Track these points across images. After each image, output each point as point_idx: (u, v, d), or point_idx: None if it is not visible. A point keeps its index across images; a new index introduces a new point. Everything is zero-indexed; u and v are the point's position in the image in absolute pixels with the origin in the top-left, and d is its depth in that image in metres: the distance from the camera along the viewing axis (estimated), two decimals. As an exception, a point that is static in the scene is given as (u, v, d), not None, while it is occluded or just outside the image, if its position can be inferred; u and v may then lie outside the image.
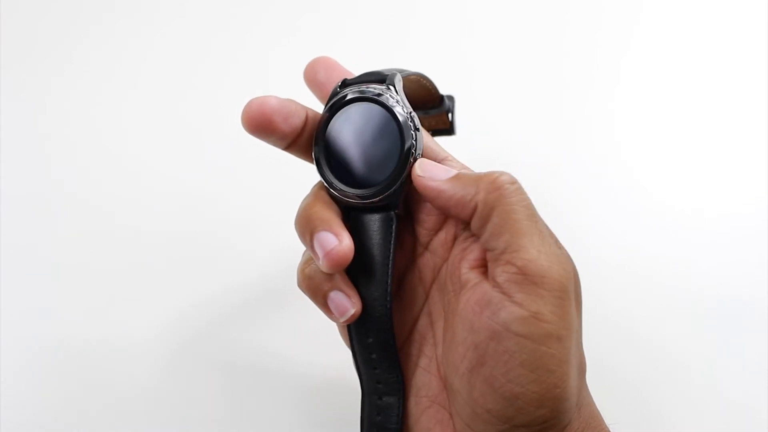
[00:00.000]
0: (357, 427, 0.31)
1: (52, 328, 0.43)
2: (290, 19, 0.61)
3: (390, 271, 0.29)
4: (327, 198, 0.30)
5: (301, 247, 0.30)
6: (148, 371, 0.41)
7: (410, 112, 0.29)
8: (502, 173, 0.27)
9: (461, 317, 0.27)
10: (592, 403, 0.28)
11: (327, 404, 0.40)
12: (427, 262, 0.31)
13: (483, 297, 0.27)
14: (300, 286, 0.29)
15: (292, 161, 0.32)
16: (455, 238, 0.30)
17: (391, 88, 0.30)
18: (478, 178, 0.27)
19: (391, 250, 0.29)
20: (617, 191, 0.49)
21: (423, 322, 0.31)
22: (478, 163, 0.31)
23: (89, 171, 0.52)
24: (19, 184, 0.51)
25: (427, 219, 0.30)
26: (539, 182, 0.49)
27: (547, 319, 0.25)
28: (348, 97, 0.30)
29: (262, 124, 0.28)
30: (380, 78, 0.30)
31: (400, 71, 0.31)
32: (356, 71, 0.32)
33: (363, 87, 0.30)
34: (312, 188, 0.31)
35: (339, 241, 0.27)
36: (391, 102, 0.29)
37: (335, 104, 0.30)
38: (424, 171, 0.29)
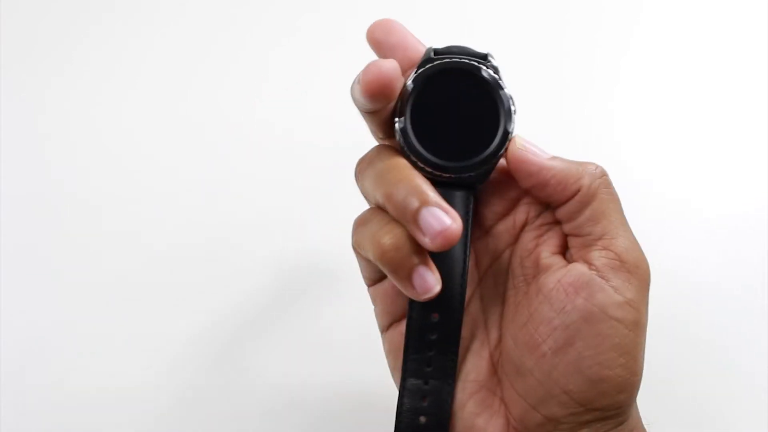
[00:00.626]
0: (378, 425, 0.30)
1: (51, 329, 0.43)
2: (290, 19, 0.61)
3: (468, 250, 0.29)
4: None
5: (312, 245, 0.29)
6: (146, 370, 0.41)
7: (509, 90, 0.29)
8: (598, 164, 0.29)
9: (547, 298, 0.28)
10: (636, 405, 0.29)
11: (343, 409, 0.40)
12: (485, 246, 0.31)
13: (579, 279, 0.27)
14: (379, 257, 0.27)
15: (293, 162, 0.32)
16: (525, 224, 0.30)
17: (492, 63, 0.29)
18: (581, 164, 0.29)
19: (470, 228, 0.29)
20: (617, 191, 0.49)
21: (474, 306, 0.31)
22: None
23: (89, 171, 0.52)
24: (18, 185, 0.51)
25: (498, 202, 0.30)
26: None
27: (636, 306, 0.27)
28: (445, 66, 0.29)
29: (386, 88, 0.27)
30: (473, 53, 0.29)
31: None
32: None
33: (460, 58, 0.29)
34: (382, 153, 0.29)
35: (453, 220, 0.25)
36: (490, 75, 0.29)
37: (428, 72, 0.29)
38: (525, 146, 0.29)
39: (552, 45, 0.59)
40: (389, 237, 0.27)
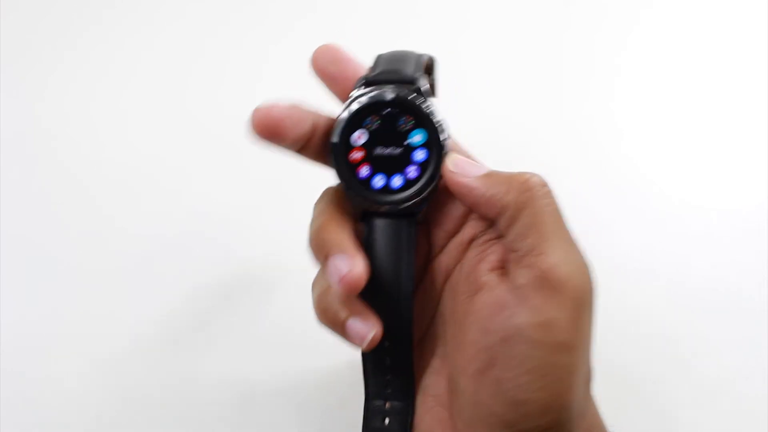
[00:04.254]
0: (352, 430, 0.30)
1: (46, 326, 0.43)
2: (289, 18, 0.61)
3: (411, 276, 0.29)
4: (339, 213, 0.29)
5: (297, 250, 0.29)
6: (134, 368, 0.41)
7: (440, 116, 0.29)
8: (534, 174, 0.27)
9: (475, 318, 0.27)
10: (596, 413, 0.28)
11: (320, 407, 0.40)
12: (439, 264, 0.30)
13: (499, 299, 0.26)
14: (319, 319, 0.29)
15: (289, 164, 0.32)
16: (472, 240, 0.29)
17: (419, 88, 0.29)
18: (510, 178, 0.27)
19: (412, 255, 0.29)
20: (618, 189, 0.49)
21: (436, 323, 0.31)
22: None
23: (84, 169, 0.52)
24: (13, 182, 0.51)
25: (447, 221, 0.30)
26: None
27: (561, 327, 0.25)
28: (372, 100, 0.29)
29: (274, 130, 0.27)
30: (405, 78, 0.29)
31: (417, 56, 0.30)
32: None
33: (388, 88, 0.29)
34: (321, 199, 0.30)
35: (352, 266, 0.26)
36: (420, 104, 0.29)
37: (358, 106, 0.29)
38: (456, 167, 0.28)
39: (552, 45, 0.58)
40: (318, 298, 0.28)
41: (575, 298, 0.25)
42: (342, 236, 0.27)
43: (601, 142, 0.52)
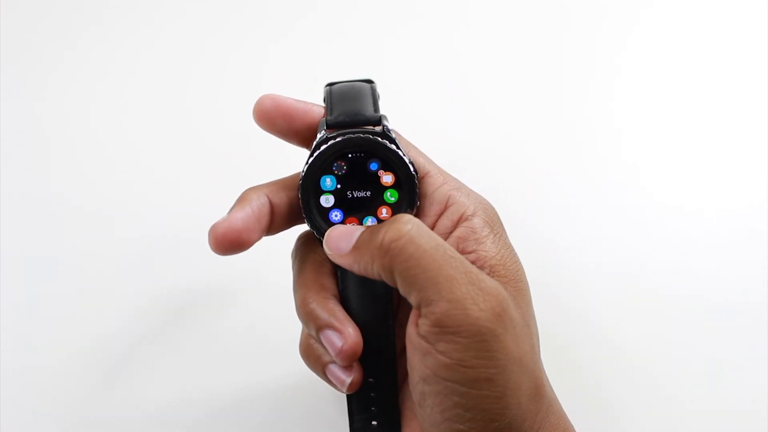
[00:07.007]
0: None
1: (38, 326, 0.43)
2: (289, 18, 0.61)
3: (389, 313, 0.29)
4: (316, 272, 0.30)
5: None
6: (123, 370, 0.41)
7: (407, 157, 0.29)
8: (392, 226, 0.26)
9: (408, 353, 0.28)
10: (557, 423, 0.28)
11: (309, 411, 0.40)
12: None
13: (412, 340, 0.27)
14: (302, 356, 0.30)
15: (287, 166, 0.32)
16: None
17: (384, 127, 0.29)
18: (370, 243, 0.27)
19: (390, 292, 0.29)
20: (617, 193, 0.49)
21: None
22: (477, 164, 0.30)
23: (81, 171, 0.52)
24: (12, 182, 0.51)
25: None
26: (537, 182, 0.49)
27: (471, 364, 0.25)
28: (338, 146, 0.28)
29: (235, 245, 0.29)
30: (369, 119, 0.29)
31: (370, 90, 0.30)
32: (352, 68, 0.31)
33: (352, 131, 0.29)
34: (296, 252, 0.31)
35: (345, 338, 0.28)
36: (387, 146, 0.28)
37: (325, 154, 0.29)
38: (328, 246, 0.28)
39: (552, 44, 0.58)
40: (302, 340, 0.30)
41: (476, 334, 0.25)
42: (326, 306, 0.29)
43: (600, 143, 0.52)
